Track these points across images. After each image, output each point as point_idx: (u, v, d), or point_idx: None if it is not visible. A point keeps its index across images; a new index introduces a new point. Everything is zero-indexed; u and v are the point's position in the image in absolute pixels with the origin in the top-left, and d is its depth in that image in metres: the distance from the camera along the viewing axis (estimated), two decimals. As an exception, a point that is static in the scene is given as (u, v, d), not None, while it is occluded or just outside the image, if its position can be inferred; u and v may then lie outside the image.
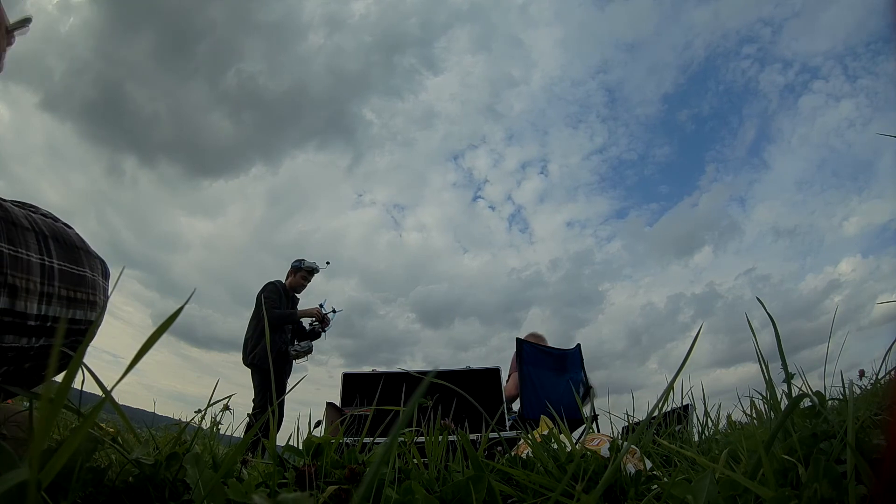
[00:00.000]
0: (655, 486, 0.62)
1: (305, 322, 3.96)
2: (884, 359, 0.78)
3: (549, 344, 3.52)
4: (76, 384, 0.54)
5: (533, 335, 3.63)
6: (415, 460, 0.71)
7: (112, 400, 0.46)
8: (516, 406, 3.26)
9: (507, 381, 3.28)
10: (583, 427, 1.35)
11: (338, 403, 2.91)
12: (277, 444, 0.70)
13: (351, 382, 3.03)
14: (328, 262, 4.10)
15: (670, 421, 1.29)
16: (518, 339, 3.22)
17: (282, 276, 4.08)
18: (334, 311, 3.91)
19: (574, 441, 0.85)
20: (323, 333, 3.88)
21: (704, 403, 1.15)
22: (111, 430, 0.62)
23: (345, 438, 0.82)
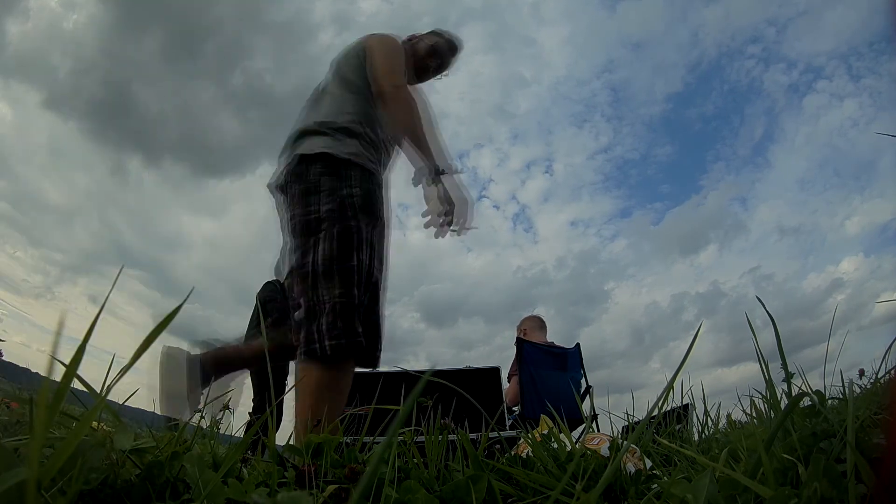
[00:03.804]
0: (655, 485, 0.62)
1: None
2: (884, 358, 0.78)
3: (551, 338, 3.51)
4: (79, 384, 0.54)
5: (533, 318, 3.60)
6: (414, 459, 0.71)
7: (105, 403, 0.46)
8: (516, 406, 3.26)
9: (508, 385, 3.27)
10: (582, 426, 1.35)
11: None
12: (277, 443, 0.70)
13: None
14: None
15: (670, 420, 1.29)
16: (518, 339, 3.21)
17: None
18: None
19: (574, 440, 0.85)
20: None
21: (704, 403, 1.15)
22: (110, 430, 0.62)
23: (344, 438, 0.82)
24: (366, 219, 1.32)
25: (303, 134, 1.42)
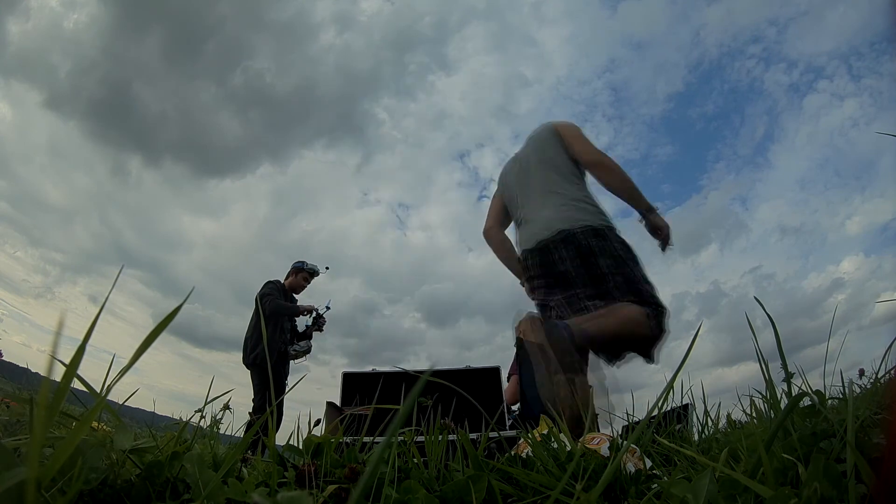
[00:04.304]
0: (655, 484, 0.62)
1: (300, 323, 4.03)
2: (884, 357, 0.78)
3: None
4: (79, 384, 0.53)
5: (532, 318, 3.61)
6: (414, 459, 0.71)
7: (105, 403, 0.46)
8: (516, 406, 3.26)
9: (508, 383, 3.27)
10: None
11: (338, 403, 2.91)
12: (278, 443, 0.70)
13: (351, 382, 3.03)
14: (328, 268, 4.26)
15: (670, 420, 1.29)
16: (518, 338, 3.21)
17: (284, 277, 4.10)
18: (327, 308, 4.07)
19: (573, 440, 0.85)
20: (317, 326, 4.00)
21: (704, 402, 1.15)
22: (110, 430, 0.62)
23: (345, 438, 0.82)
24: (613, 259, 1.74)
25: (552, 216, 1.83)
